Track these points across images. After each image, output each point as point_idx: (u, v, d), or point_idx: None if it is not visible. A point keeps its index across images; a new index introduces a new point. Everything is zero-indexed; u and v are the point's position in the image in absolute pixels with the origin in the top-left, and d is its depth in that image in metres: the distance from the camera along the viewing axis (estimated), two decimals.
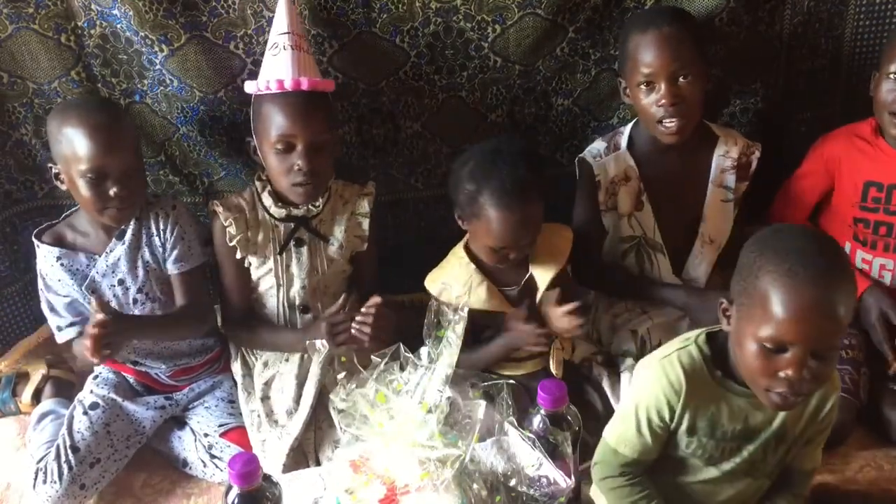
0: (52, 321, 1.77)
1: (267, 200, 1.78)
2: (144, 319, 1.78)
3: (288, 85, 1.63)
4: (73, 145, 1.61)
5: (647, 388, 1.27)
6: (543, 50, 1.87)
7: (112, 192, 1.63)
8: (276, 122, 1.65)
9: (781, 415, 1.26)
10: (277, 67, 1.65)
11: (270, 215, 1.78)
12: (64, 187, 1.68)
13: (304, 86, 1.64)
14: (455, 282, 1.66)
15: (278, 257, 1.79)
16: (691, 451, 1.30)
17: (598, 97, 1.97)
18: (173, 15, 1.73)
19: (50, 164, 1.70)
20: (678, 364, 1.24)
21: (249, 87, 1.70)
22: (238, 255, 1.77)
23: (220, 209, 1.76)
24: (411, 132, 1.96)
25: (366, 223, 1.83)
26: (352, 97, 1.89)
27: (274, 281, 1.81)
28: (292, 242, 1.79)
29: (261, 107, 1.69)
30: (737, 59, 1.90)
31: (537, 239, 1.65)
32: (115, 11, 1.72)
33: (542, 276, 1.67)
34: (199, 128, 1.90)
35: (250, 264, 1.80)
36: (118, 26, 1.76)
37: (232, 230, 1.75)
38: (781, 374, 1.12)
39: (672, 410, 1.25)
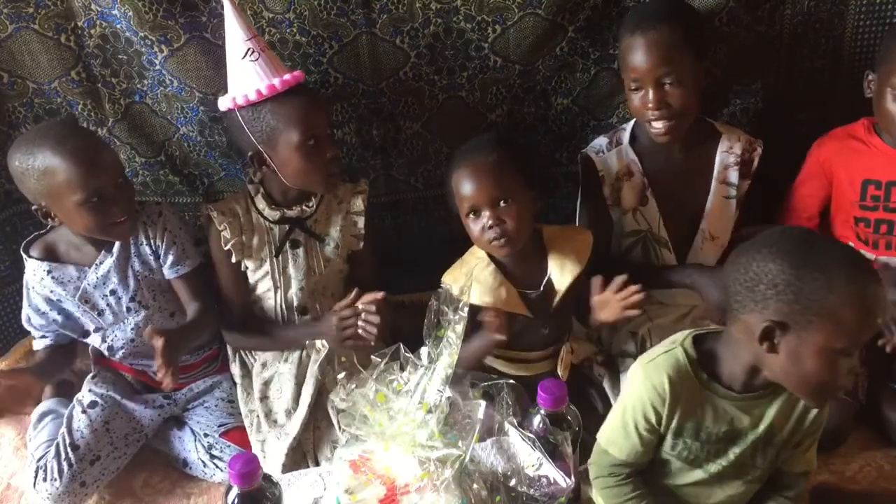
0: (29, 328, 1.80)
1: (260, 203, 1.78)
2: (185, 331, 1.72)
3: (286, 80, 1.61)
4: (57, 178, 1.54)
5: (633, 392, 1.30)
6: (543, 50, 1.87)
7: (114, 209, 1.61)
8: (297, 119, 1.62)
9: (768, 418, 1.27)
10: (266, 70, 1.61)
11: (265, 218, 1.78)
12: (57, 222, 1.64)
13: (301, 78, 1.65)
14: (473, 281, 1.62)
15: (275, 260, 1.79)
16: (676, 452, 1.31)
17: (597, 96, 1.97)
18: (173, 15, 1.73)
19: (34, 207, 1.63)
20: (662, 368, 1.26)
21: (247, 93, 1.61)
22: (234, 259, 1.77)
23: (214, 214, 1.76)
24: (411, 132, 1.96)
25: (361, 221, 1.82)
26: (352, 97, 1.89)
27: (271, 283, 1.80)
28: (288, 244, 1.78)
29: (264, 114, 1.63)
30: (737, 59, 1.90)
31: (527, 222, 1.59)
32: (115, 11, 1.72)
33: (561, 279, 1.65)
34: (199, 128, 1.90)
35: (247, 268, 1.80)
36: (118, 26, 1.76)
37: (227, 234, 1.75)
38: (848, 372, 1.16)
39: (658, 414, 1.27)
